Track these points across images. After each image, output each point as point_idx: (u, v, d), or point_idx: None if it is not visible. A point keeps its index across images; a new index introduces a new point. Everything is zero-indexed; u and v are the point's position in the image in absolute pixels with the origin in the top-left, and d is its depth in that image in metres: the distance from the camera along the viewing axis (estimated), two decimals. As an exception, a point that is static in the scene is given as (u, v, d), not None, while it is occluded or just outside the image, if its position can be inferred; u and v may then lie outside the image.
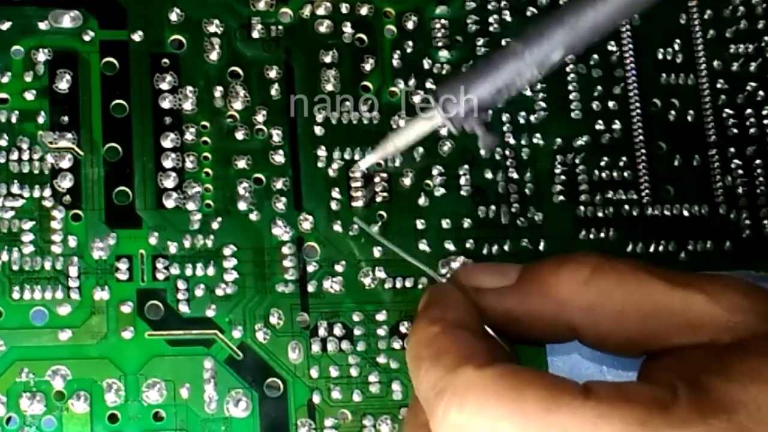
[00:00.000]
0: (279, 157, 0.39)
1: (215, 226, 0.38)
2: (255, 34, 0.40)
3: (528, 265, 0.35)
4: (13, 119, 0.37)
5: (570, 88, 0.41)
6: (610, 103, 0.41)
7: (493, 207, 0.40)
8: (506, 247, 0.39)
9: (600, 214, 0.40)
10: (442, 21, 0.41)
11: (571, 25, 0.34)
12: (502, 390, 0.29)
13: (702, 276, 0.33)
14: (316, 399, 0.37)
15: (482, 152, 0.37)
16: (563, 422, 0.29)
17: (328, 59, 0.40)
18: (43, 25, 0.38)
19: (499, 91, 0.34)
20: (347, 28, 0.40)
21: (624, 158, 0.41)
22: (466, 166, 0.40)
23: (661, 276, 0.33)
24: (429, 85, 0.40)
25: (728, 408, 0.28)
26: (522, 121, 0.41)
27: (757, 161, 0.42)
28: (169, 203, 0.38)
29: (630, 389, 0.29)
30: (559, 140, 0.41)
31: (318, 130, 0.39)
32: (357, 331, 0.38)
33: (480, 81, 0.34)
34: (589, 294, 0.33)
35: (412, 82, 0.40)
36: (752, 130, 0.42)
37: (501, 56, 0.34)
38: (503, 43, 0.41)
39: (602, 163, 0.41)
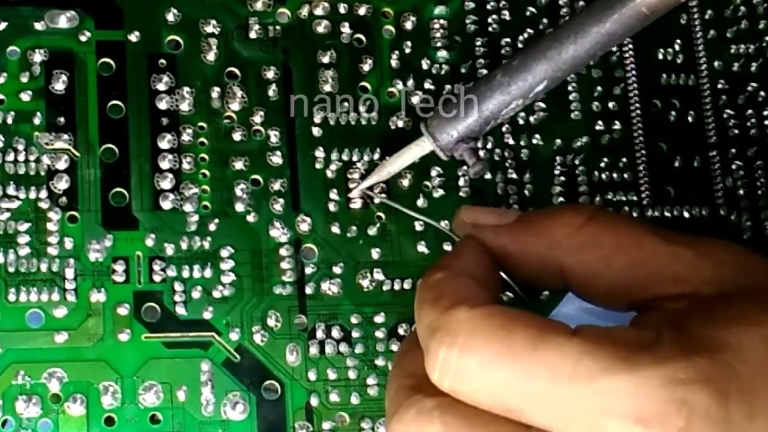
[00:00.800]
0: (277, 158, 0.39)
1: (212, 227, 0.38)
2: (252, 35, 0.40)
3: (528, 212, 0.36)
4: (9, 120, 0.37)
5: (570, 88, 0.41)
6: (610, 104, 0.41)
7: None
8: (505, 249, 0.39)
9: (600, 216, 0.40)
10: (441, 21, 0.41)
11: (554, 58, 0.36)
12: (491, 328, 0.30)
13: (699, 237, 0.34)
14: (314, 402, 0.37)
15: (472, 177, 0.39)
16: (548, 358, 0.29)
17: (326, 60, 0.40)
18: (39, 26, 0.38)
19: (486, 120, 0.37)
20: (345, 29, 0.40)
21: (624, 159, 0.41)
22: (465, 167, 0.40)
23: (654, 230, 0.34)
24: (428, 85, 0.40)
25: (711, 347, 0.29)
26: (521, 121, 0.41)
27: (758, 162, 0.42)
28: (166, 205, 0.38)
29: (616, 331, 0.30)
30: (558, 141, 0.41)
31: (316, 131, 0.39)
32: (355, 334, 0.38)
33: (468, 112, 0.36)
34: (581, 236, 0.34)
35: (410, 82, 0.40)
36: (753, 131, 0.42)
37: (488, 88, 0.36)
38: (503, 43, 0.41)
39: (602, 164, 0.41)
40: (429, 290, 0.33)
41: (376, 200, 0.39)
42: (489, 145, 0.40)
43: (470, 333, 0.30)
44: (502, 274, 0.35)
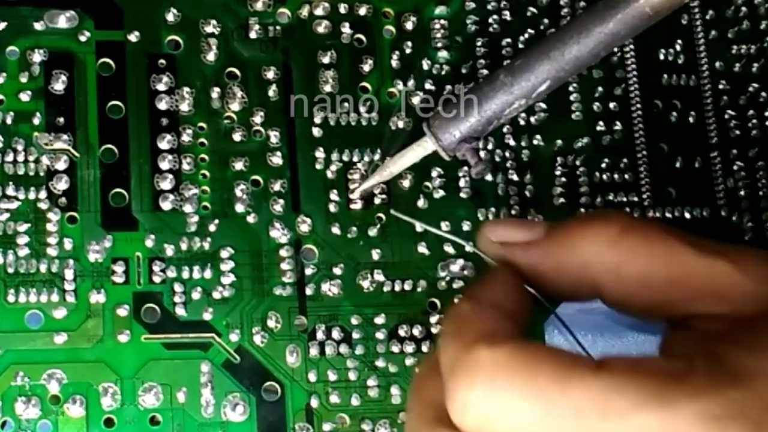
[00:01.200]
0: (277, 159, 0.39)
1: (212, 228, 0.38)
2: (252, 35, 0.40)
3: (555, 222, 0.35)
4: (8, 120, 0.37)
5: (570, 89, 0.41)
6: (611, 104, 0.42)
7: (493, 209, 0.40)
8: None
9: (601, 217, 0.40)
10: (442, 21, 0.41)
11: (557, 59, 0.36)
12: (513, 368, 0.29)
13: (732, 246, 0.33)
14: (314, 403, 0.37)
15: (474, 177, 0.38)
16: (575, 398, 0.28)
17: (326, 60, 0.40)
18: (38, 26, 0.38)
19: (488, 120, 0.36)
20: (346, 29, 0.40)
21: (625, 160, 0.41)
22: (466, 168, 0.40)
23: (690, 242, 0.32)
24: (428, 86, 0.40)
25: (745, 377, 0.28)
26: (522, 122, 0.41)
27: (760, 163, 0.42)
28: (166, 205, 0.38)
29: (644, 362, 0.29)
30: (559, 142, 0.41)
31: (316, 132, 0.39)
32: (355, 335, 0.38)
33: (470, 112, 0.36)
34: (615, 254, 0.32)
35: (411, 82, 0.40)
36: (754, 132, 0.42)
37: (490, 88, 0.36)
38: (503, 44, 0.41)
39: (603, 165, 0.41)
40: (453, 322, 0.32)
41: (419, 226, 0.39)
42: (490, 146, 0.40)
43: (490, 374, 0.29)
44: (527, 287, 0.34)
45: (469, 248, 0.38)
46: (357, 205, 0.39)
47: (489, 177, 0.40)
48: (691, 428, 0.28)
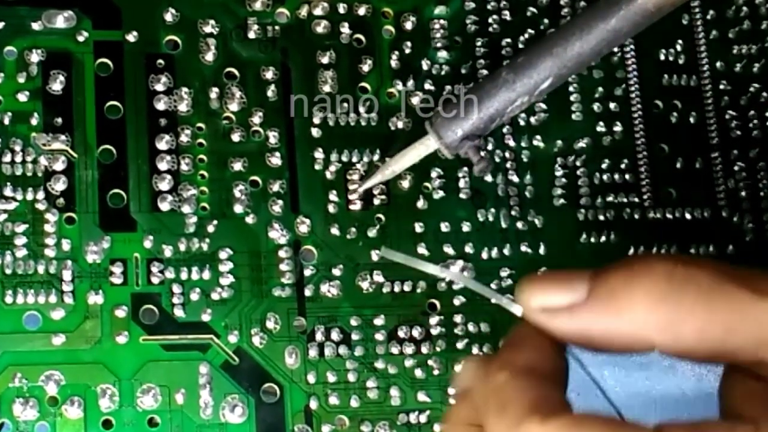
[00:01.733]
0: (275, 159, 0.39)
1: (211, 229, 0.38)
2: (251, 35, 0.40)
3: (598, 277, 0.32)
4: (6, 121, 0.38)
5: (571, 89, 0.41)
6: (612, 105, 0.42)
7: (492, 210, 0.40)
8: (506, 251, 0.39)
9: (601, 218, 0.41)
10: (441, 21, 0.41)
11: (559, 55, 0.36)
12: None
13: None
14: (314, 405, 0.37)
15: (476, 175, 0.38)
16: None
17: (325, 60, 0.40)
18: (36, 26, 0.38)
19: (491, 118, 0.37)
20: (345, 29, 0.40)
21: (625, 161, 0.41)
22: (466, 169, 0.40)
23: (745, 283, 0.30)
24: (428, 86, 0.40)
25: None
26: (522, 123, 0.41)
27: (761, 164, 0.42)
28: (164, 206, 0.38)
29: (708, 428, 0.28)
30: (559, 142, 0.41)
31: (315, 132, 0.39)
32: (355, 336, 0.38)
33: (473, 110, 0.36)
34: (667, 310, 0.30)
35: (410, 83, 0.40)
36: (755, 132, 0.42)
37: (492, 85, 0.37)
38: (503, 44, 0.41)
39: (603, 166, 0.41)
40: (494, 396, 0.31)
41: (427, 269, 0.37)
42: (490, 147, 0.40)
43: None
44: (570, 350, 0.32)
45: (511, 307, 0.36)
46: (356, 206, 0.39)
47: (489, 178, 0.40)
48: None
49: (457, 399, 0.33)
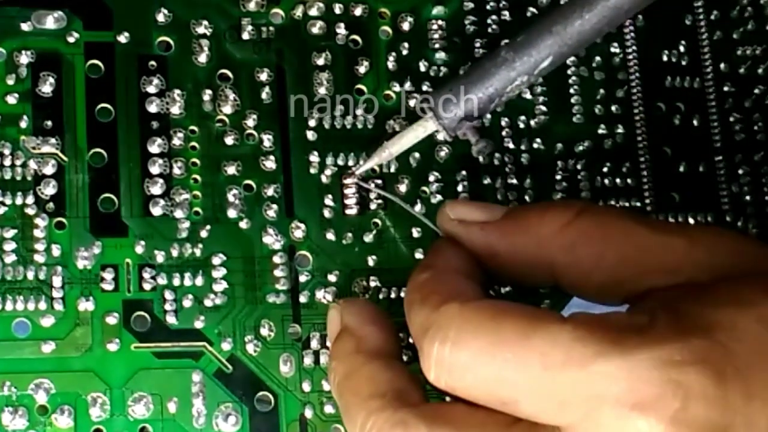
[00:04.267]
0: (270, 163, 0.39)
1: (204, 234, 0.38)
2: (245, 36, 0.40)
3: (514, 206, 0.37)
4: (-5, 124, 0.38)
5: (571, 91, 0.42)
6: (613, 107, 0.42)
7: (491, 215, 0.40)
8: (505, 257, 0.40)
9: (602, 222, 0.41)
10: (439, 22, 0.41)
11: (560, 33, 0.36)
12: (482, 321, 0.31)
13: (687, 224, 0.36)
14: (309, 413, 0.38)
15: (475, 156, 0.38)
16: (540, 346, 0.30)
17: (320, 61, 0.40)
18: (25, 26, 0.39)
19: (490, 98, 0.37)
20: (341, 30, 0.41)
21: (627, 164, 0.41)
22: (464, 172, 0.40)
23: (644, 222, 0.34)
24: (426, 87, 0.41)
25: (706, 328, 0.30)
26: (522, 125, 0.41)
27: (765, 167, 0.42)
28: (156, 211, 0.38)
29: (609, 316, 0.31)
30: (560, 145, 0.41)
31: (310, 135, 0.40)
32: (351, 344, 0.38)
33: (472, 89, 0.37)
34: (570, 233, 0.34)
35: (408, 84, 0.41)
36: (760, 136, 0.43)
37: (491, 64, 0.37)
38: (502, 43, 0.41)
39: (605, 169, 0.41)
40: (417, 291, 0.34)
41: (372, 192, 0.39)
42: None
43: (461, 327, 0.31)
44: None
45: (434, 227, 0.38)
46: (352, 211, 0.39)
47: (488, 181, 0.40)
48: (652, 374, 0.29)
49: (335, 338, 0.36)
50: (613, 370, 0.29)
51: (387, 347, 0.35)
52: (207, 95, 0.39)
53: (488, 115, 0.41)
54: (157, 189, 0.38)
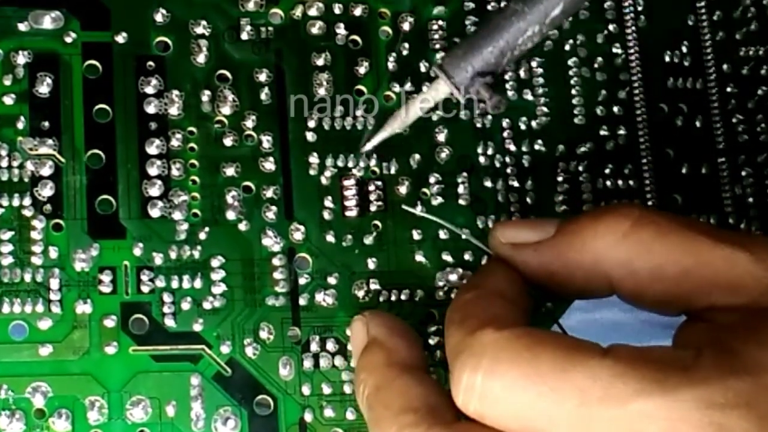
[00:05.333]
0: (269, 165, 0.39)
1: (203, 236, 0.38)
2: (244, 36, 0.40)
3: (566, 219, 0.35)
4: (-8, 125, 0.38)
5: (573, 92, 0.42)
6: (615, 108, 0.42)
7: (492, 217, 0.40)
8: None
9: (604, 224, 0.41)
10: (440, 22, 0.41)
11: None
12: (518, 350, 0.30)
13: (750, 235, 0.34)
14: (308, 417, 0.38)
15: (491, 112, 0.37)
16: (578, 382, 0.29)
17: (320, 62, 0.40)
18: (22, 27, 0.39)
19: (502, 52, 0.36)
20: (340, 30, 0.41)
21: (629, 166, 0.42)
22: (465, 174, 0.40)
23: (706, 231, 0.33)
24: (425, 88, 0.41)
25: (753, 369, 0.29)
26: (523, 126, 0.41)
27: (769, 169, 0.42)
28: (155, 212, 0.38)
29: (651, 351, 0.30)
30: (561, 147, 0.41)
31: (310, 136, 0.40)
32: (351, 347, 0.38)
33: (482, 44, 0.36)
34: (627, 247, 0.33)
35: (408, 85, 0.41)
36: (763, 137, 0.43)
37: (502, 17, 0.36)
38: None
39: (606, 171, 0.41)
40: (457, 311, 0.33)
41: (418, 215, 0.39)
42: (490, 151, 0.41)
43: (495, 356, 0.30)
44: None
45: (483, 247, 0.38)
46: (352, 212, 0.39)
47: (489, 183, 0.40)
48: (692, 414, 0.28)
49: (363, 350, 0.35)
50: (653, 410, 0.28)
51: (417, 360, 0.35)
52: (206, 96, 0.39)
53: (488, 117, 0.41)
54: (155, 190, 0.38)
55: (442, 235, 0.40)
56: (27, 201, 0.37)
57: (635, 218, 0.33)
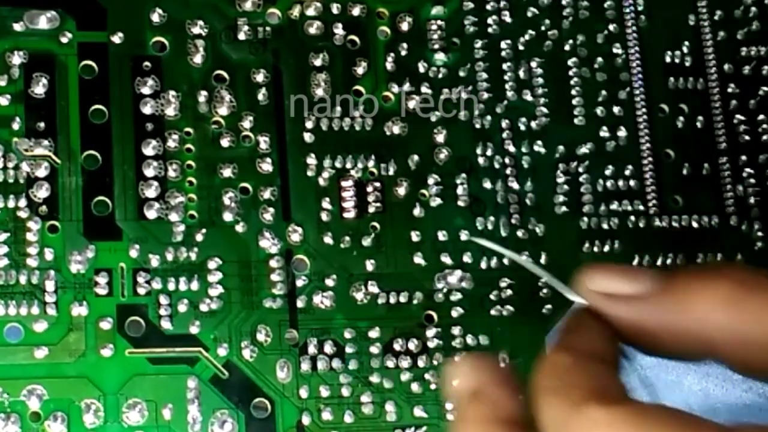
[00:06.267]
0: (266, 166, 0.39)
1: (199, 238, 0.38)
2: (241, 36, 0.40)
3: (664, 273, 0.33)
4: (-13, 125, 0.38)
5: (573, 92, 0.42)
6: (615, 109, 0.42)
7: (492, 218, 0.40)
8: (505, 261, 0.40)
9: (605, 226, 0.41)
10: (438, 22, 0.42)
11: None
12: (630, 430, 0.29)
13: None
14: (306, 420, 0.38)
15: None
16: None
17: (318, 62, 0.40)
18: (18, 27, 0.39)
19: None
20: (338, 30, 0.41)
21: (630, 167, 0.42)
22: (464, 175, 0.40)
23: None
24: (424, 89, 0.41)
25: None
26: (522, 127, 0.41)
27: (770, 170, 0.43)
28: (151, 214, 0.38)
29: None
30: (561, 148, 0.41)
31: (307, 137, 0.40)
32: (349, 349, 0.38)
33: None
34: (735, 312, 0.31)
35: (406, 86, 0.41)
36: (765, 137, 0.43)
37: None
38: (503, 45, 0.42)
39: (607, 172, 0.41)
40: (553, 378, 0.31)
41: (496, 251, 0.38)
42: (489, 152, 0.41)
43: None
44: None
45: (571, 297, 0.37)
46: (350, 214, 0.39)
47: (488, 184, 0.40)
48: None
49: (465, 399, 0.33)
50: None
51: (522, 416, 0.34)
52: (202, 96, 0.39)
53: (488, 117, 0.41)
54: (151, 192, 0.38)
55: (441, 236, 0.40)
56: (22, 202, 0.38)
57: (739, 281, 0.31)
